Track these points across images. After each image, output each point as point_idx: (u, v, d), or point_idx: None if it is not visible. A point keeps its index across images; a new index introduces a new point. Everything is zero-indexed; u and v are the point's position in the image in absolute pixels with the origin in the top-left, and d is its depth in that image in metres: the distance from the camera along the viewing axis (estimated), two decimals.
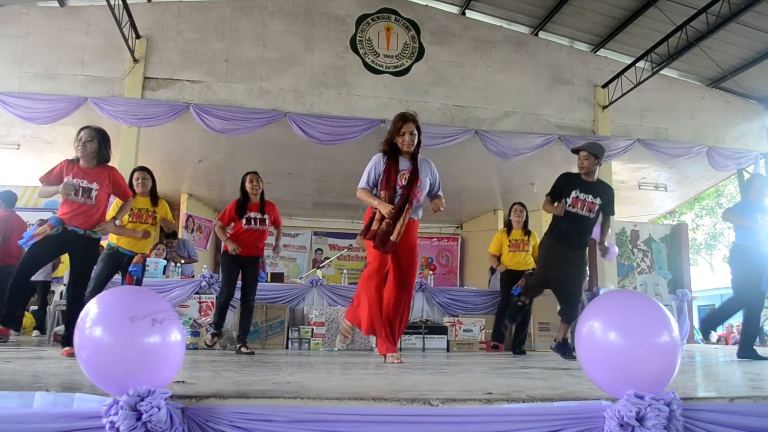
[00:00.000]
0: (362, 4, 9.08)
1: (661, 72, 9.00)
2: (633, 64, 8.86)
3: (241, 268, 5.21)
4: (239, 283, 5.31)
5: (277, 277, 7.33)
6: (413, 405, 1.66)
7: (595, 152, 4.75)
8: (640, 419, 1.56)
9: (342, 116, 8.46)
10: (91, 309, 1.60)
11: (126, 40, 7.59)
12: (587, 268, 4.86)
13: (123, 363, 1.53)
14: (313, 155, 9.60)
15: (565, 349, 4.76)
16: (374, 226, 3.81)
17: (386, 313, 3.98)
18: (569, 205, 4.67)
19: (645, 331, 1.64)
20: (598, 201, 4.68)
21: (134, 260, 4.86)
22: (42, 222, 4.04)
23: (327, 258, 12.78)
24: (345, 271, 11.50)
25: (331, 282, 8.11)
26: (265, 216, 5.23)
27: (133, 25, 7.77)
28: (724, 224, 22.02)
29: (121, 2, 7.19)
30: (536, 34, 9.58)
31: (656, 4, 8.11)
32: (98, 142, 4.11)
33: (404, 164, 3.91)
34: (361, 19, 9.02)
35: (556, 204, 4.78)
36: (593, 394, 1.80)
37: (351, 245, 10.96)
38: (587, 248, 5.00)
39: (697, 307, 17.72)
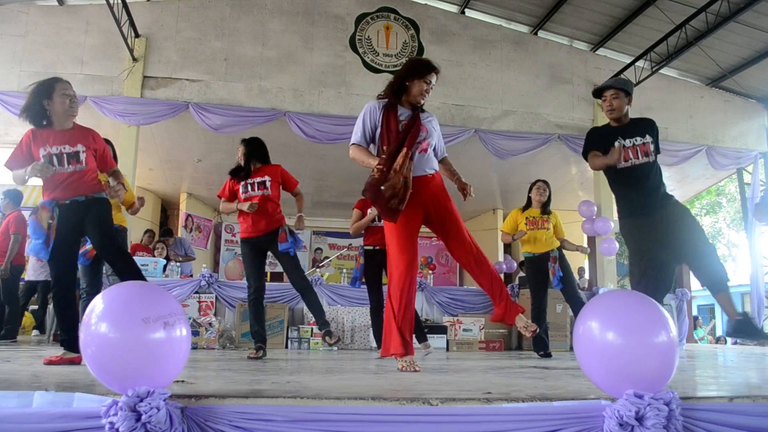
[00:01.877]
0: (361, 3, 9.08)
1: (661, 71, 9.00)
2: (632, 63, 8.86)
3: (264, 250, 4.54)
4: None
5: (277, 277, 7.34)
6: (412, 404, 1.66)
7: (623, 87, 3.74)
8: (640, 419, 1.56)
9: (341, 115, 8.46)
10: (98, 305, 1.59)
11: (125, 39, 7.59)
12: (691, 220, 3.48)
13: (129, 361, 1.53)
14: (313, 154, 9.60)
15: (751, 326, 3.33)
16: (386, 191, 2.97)
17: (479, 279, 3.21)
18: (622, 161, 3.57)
19: (643, 330, 1.64)
20: (648, 139, 3.61)
21: None
22: (35, 210, 3.29)
23: (327, 257, 12.78)
24: (344, 270, 11.50)
25: (330, 281, 8.11)
26: (266, 178, 4.52)
27: (132, 24, 7.76)
28: (724, 223, 22.08)
29: (120, 1, 7.18)
30: (536, 34, 9.58)
31: (656, 3, 8.11)
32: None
33: (405, 113, 3.21)
34: (360, 18, 9.02)
35: (609, 155, 3.48)
36: (593, 394, 1.80)
37: (350, 244, 10.96)
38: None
39: (696, 306, 17.72)
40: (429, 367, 3.40)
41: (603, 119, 9.56)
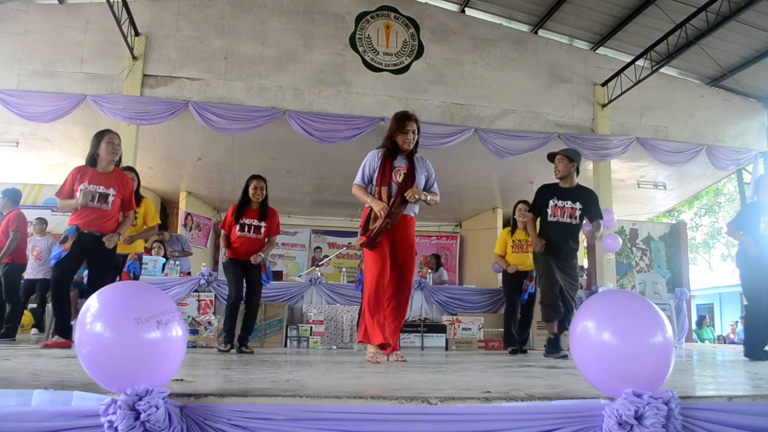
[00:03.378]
0: (361, 2, 9.07)
1: (661, 70, 8.99)
2: (632, 62, 8.85)
3: (244, 271, 5.13)
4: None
5: (276, 276, 7.33)
6: (412, 403, 1.66)
7: (568, 155, 4.88)
8: (639, 418, 1.56)
9: (341, 114, 8.46)
10: (93, 305, 1.59)
11: (125, 38, 7.57)
12: (579, 278, 5.04)
13: (124, 361, 1.53)
14: (312, 153, 9.60)
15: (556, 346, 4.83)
16: (371, 225, 3.82)
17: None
18: (550, 215, 4.80)
19: (638, 330, 1.64)
20: (578, 206, 4.78)
21: (129, 258, 4.92)
22: (64, 239, 4.06)
23: (326, 256, 12.78)
24: (344, 269, 11.51)
25: (330, 280, 8.12)
26: (262, 224, 5.10)
27: (132, 23, 7.75)
28: (723, 223, 22.07)
29: None
30: (536, 32, 9.57)
31: (656, 2, 8.11)
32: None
33: (400, 161, 3.93)
34: (360, 17, 9.01)
35: (535, 242, 4.97)
36: (592, 393, 1.80)
37: (350, 243, 10.97)
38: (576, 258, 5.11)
39: (695, 306, 17.74)
40: (428, 366, 3.40)
41: (602, 119, 9.66)
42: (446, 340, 6.75)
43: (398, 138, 3.91)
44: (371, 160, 3.94)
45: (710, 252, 23.64)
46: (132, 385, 1.49)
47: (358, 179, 3.95)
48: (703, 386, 2.40)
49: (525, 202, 6.12)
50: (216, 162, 10.35)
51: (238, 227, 5.06)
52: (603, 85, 9.47)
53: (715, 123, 10.06)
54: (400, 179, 3.86)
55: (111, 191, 4.09)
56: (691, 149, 9.50)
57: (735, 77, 9.55)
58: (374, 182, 3.89)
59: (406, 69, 8.95)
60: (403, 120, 3.93)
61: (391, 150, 3.93)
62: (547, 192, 4.96)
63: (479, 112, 9.01)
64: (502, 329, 7.12)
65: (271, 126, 8.27)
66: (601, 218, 4.94)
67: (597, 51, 9.75)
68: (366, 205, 3.96)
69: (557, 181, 5.02)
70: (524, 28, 9.63)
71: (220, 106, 8.09)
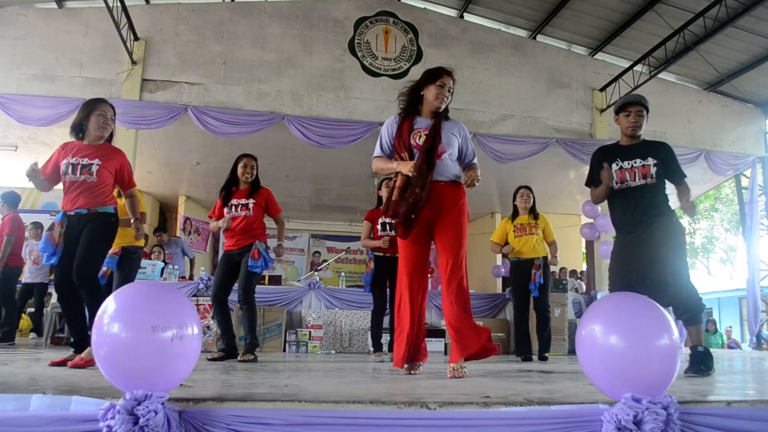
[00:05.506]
0: (360, 7, 9.09)
1: (659, 76, 9.02)
2: (631, 67, 8.88)
3: (237, 262, 4.61)
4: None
5: (275, 280, 7.33)
6: (411, 408, 1.66)
7: (647, 106, 3.72)
8: (638, 423, 1.56)
9: (340, 119, 8.47)
10: (110, 306, 1.59)
11: (124, 42, 7.59)
12: (674, 244, 3.51)
13: (140, 364, 1.54)
14: (311, 158, 9.60)
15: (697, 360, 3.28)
16: (394, 197, 3.06)
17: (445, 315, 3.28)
18: (615, 182, 3.59)
19: (645, 333, 1.64)
20: (650, 161, 3.60)
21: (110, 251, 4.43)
22: (51, 227, 3.54)
23: (325, 261, 12.76)
24: (343, 273, 11.50)
25: (329, 285, 8.11)
26: (249, 201, 4.59)
27: (131, 27, 7.76)
28: (721, 227, 22.10)
29: (119, 4, 7.19)
30: (534, 38, 9.60)
31: (654, 8, 8.14)
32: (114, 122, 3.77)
33: (422, 123, 3.17)
34: (359, 22, 9.03)
35: (601, 186, 3.64)
36: (591, 398, 1.80)
37: (349, 248, 10.95)
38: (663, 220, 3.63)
39: None
40: (427, 370, 3.40)
41: (600, 124, 9.61)
42: (445, 344, 6.73)
43: (428, 91, 3.16)
44: (388, 126, 3.27)
45: (709, 257, 23.66)
46: (146, 388, 1.50)
47: (377, 151, 3.29)
48: (702, 391, 2.40)
49: (527, 187, 5.92)
50: (215, 166, 10.34)
51: (226, 211, 4.66)
52: (601, 90, 9.49)
53: (713, 128, 10.08)
54: (420, 141, 3.10)
55: (95, 161, 3.52)
56: (690, 154, 9.51)
57: (733, 83, 9.58)
58: (392, 151, 3.22)
59: (404, 74, 8.97)
60: (439, 72, 3.17)
61: (410, 110, 3.22)
62: (605, 155, 3.68)
63: (478, 117, 9.02)
64: (502, 334, 7.13)
65: (270, 130, 8.27)
66: (685, 177, 3.73)
67: (595, 56, 9.78)
68: (382, 180, 3.37)
69: (614, 141, 3.87)
70: (523, 33, 9.66)
71: (219, 111, 8.09)
